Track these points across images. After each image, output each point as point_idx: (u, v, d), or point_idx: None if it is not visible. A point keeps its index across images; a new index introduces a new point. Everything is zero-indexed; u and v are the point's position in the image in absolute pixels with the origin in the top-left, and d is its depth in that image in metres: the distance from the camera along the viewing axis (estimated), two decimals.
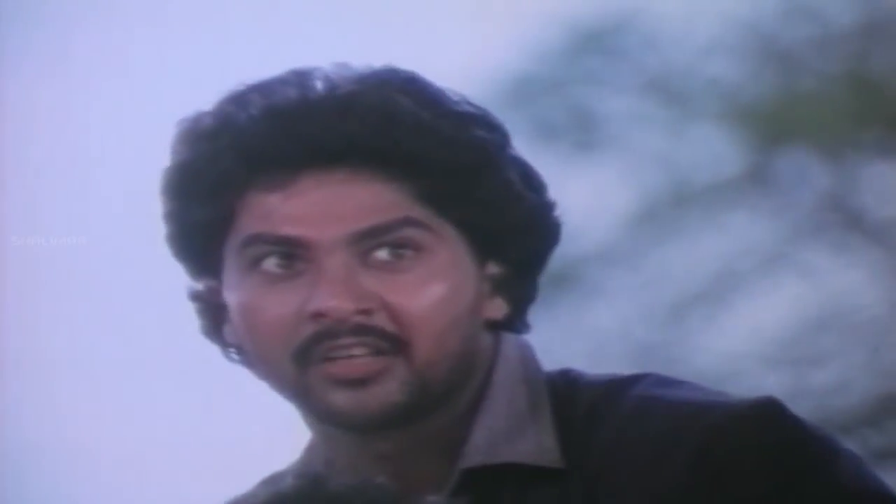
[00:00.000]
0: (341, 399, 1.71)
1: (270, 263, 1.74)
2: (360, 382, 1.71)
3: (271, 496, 1.56)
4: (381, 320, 1.71)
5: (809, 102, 8.42)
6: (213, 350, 1.96)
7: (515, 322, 1.81)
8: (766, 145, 8.33)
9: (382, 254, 1.73)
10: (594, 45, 8.80)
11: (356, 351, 1.74)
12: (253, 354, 1.79)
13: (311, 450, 1.83)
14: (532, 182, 1.80)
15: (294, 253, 1.74)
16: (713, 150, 8.19)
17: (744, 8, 8.36)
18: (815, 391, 7.98)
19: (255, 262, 1.73)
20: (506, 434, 1.79)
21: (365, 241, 1.72)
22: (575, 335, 7.27)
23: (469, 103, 1.78)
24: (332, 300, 1.69)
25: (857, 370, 7.99)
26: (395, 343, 1.73)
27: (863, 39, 8.08)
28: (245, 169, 1.75)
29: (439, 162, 1.76)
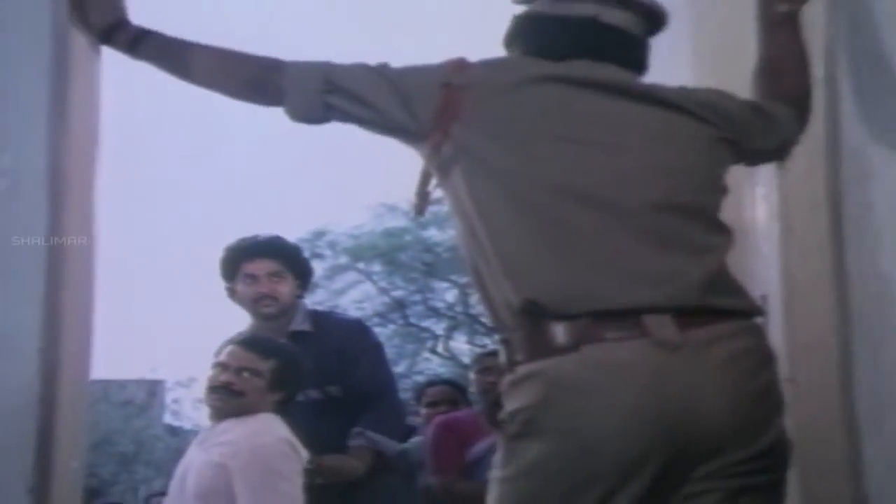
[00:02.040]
0: (265, 312, 3.77)
1: (248, 279, 3.81)
2: (268, 307, 3.77)
3: (238, 335, 3.41)
4: (276, 295, 3.79)
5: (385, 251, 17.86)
6: None
7: (303, 296, 4.02)
8: (366, 262, 18.28)
9: (276, 277, 3.81)
10: (319, 237, 17.91)
11: (268, 303, 3.78)
12: (241, 304, 3.83)
13: (251, 326, 3.78)
14: (309, 263, 4.16)
15: (254, 277, 3.81)
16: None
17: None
18: None
19: (244, 279, 3.82)
20: (300, 321, 3.86)
21: (271, 274, 3.80)
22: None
23: (296, 244, 4.40)
24: (264, 290, 3.79)
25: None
26: (277, 300, 3.80)
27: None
28: (242, 257, 3.85)
29: (291, 257, 3.96)
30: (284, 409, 3.29)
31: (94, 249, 2.15)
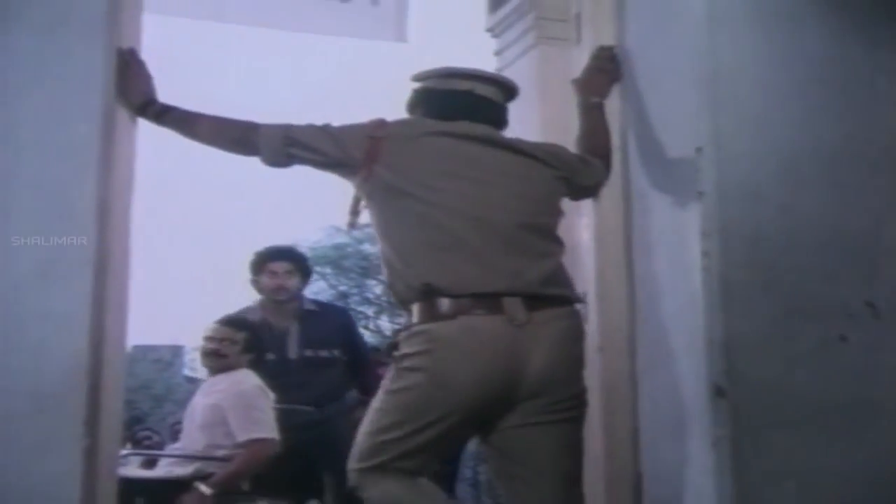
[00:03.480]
0: (279, 298, 3.48)
1: (270, 274, 3.52)
2: (282, 295, 3.48)
3: (228, 317, 3.34)
4: (288, 287, 3.51)
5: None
6: None
7: (303, 289, 3.65)
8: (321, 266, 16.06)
9: (289, 274, 3.53)
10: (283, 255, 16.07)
11: (282, 292, 3.50)
12: (261, 292, 3.56)
13: (247, 310, 3.49)
14: (310, 266, 3.82)
15: (275, 273, 3.51)
16: None
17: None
18: None
19: (268, 274, 3.52)
20: (308, 304, 3.63)
21: (287, 272, 3.52)
22: None
23: (304, 253, 4.20)
24: (281, 282, 3.51)
25: None
26: (288, 290, 3.51)
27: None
28: (268, 259, 3.57)
29: (300, 261, 3.68)
30: (268, 366, 3.28)
31: (129, 254, 2.10)
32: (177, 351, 20.01)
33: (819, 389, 1.91)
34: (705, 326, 1.91)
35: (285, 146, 1.97)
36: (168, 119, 2.04)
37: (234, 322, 3.32)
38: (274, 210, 30.49)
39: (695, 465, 1.93)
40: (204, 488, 2.80)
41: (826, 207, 1.98)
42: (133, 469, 3.04)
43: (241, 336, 3.22)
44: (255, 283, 3.61)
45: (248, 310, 3.57)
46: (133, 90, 2.03)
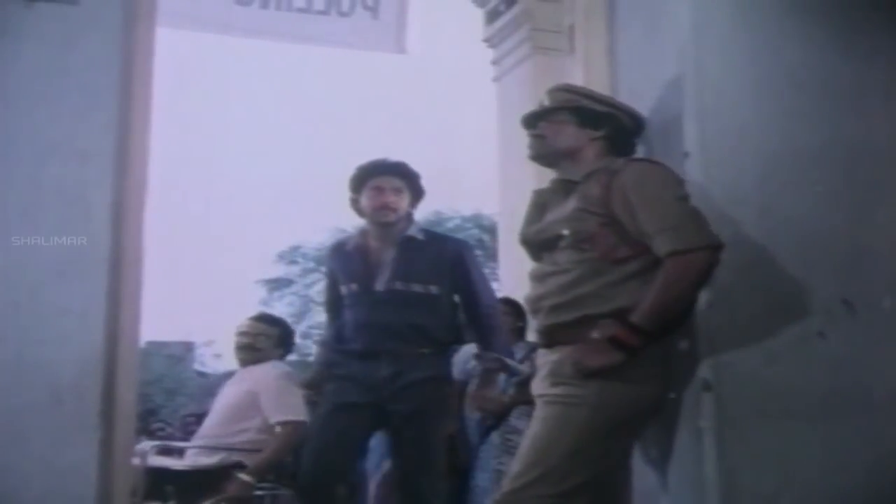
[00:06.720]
0: (384, 220, 2.77)
1: (374, 192, 2.76)
2: (387, 217, 2.77)
3: (262, 314, 3.48)
4: (395, 207, 2.78)
5: None
6: None
7: (412, 212, 2.87)
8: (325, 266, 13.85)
9: (398, 192, 2.78)
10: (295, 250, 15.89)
11: (388, 213, 2.78)
12: (361, 213, 2.82)
13: (347, 238, 2.91)
14: (423, 186, 2.87)
15: (381, 189, 2.76)
16: None
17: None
18: None
19: (370, 191, 2.76)
20: (415, 231, 2.84)
21: (395, 189, 2.76)
22: None
23: (416, 170, 2.85)
24: (388, 200, 2.77)
25: None
26: (395, 211, 2.79)
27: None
28: (372, 173, 2.79)
29: (412, 178, 2.82)
30: (349, 299, 2.80)
31: (143, 254, 2.10)
32: (188, 347, 20.13)
33: (798, 382, 1.92)
34: (693, 323, 1.91)
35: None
36: (648, 330, 1.77)
37: (267, 318, 3.44)
38: (279, 211, 30.59)
39: (681, 454, 1.94)
40: (246, 477, 2.91)
41: (805, 209, 1.99)
42: (161, 459, 3.12)
43: (274, 331, 3.34)
44: (354, 204, 2.86)
45: (347, 237, 2.95)
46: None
